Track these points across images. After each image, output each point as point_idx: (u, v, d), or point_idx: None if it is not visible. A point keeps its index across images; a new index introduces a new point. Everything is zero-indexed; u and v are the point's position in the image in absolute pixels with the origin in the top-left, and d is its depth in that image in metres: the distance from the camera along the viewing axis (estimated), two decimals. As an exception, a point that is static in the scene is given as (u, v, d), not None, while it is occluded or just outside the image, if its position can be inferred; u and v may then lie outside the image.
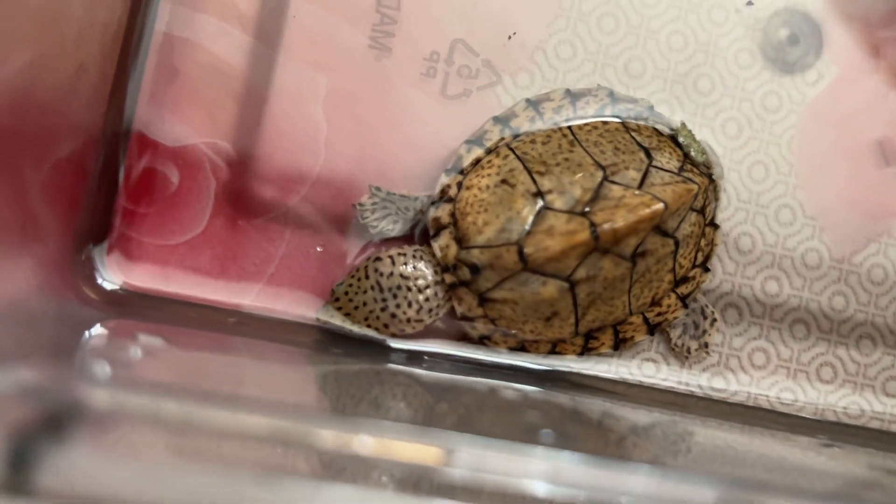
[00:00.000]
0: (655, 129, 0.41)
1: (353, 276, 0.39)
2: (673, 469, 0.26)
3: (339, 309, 0.39)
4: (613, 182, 0.38)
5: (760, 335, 0.43)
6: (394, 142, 0.42)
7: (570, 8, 0.43)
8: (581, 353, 0.41)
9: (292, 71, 0.42)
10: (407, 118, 0.42)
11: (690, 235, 0.40)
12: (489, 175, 0.39)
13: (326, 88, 0.42)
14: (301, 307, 0.41)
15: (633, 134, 0.40)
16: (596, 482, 0.23)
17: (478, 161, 0.40)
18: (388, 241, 0.41)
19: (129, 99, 0.41)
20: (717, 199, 0.42)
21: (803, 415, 0.43)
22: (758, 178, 0.43)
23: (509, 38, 0.42)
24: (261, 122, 0.42)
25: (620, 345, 0.41)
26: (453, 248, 0.38)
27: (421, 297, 0.38)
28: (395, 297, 0.38)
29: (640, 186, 0.38)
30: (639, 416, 0.41)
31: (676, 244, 0.39)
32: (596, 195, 0.37)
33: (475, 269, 0.37)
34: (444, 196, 0.39)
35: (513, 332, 0.39)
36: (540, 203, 0.37)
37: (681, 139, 0.41)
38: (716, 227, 0.42)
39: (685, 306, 0.41)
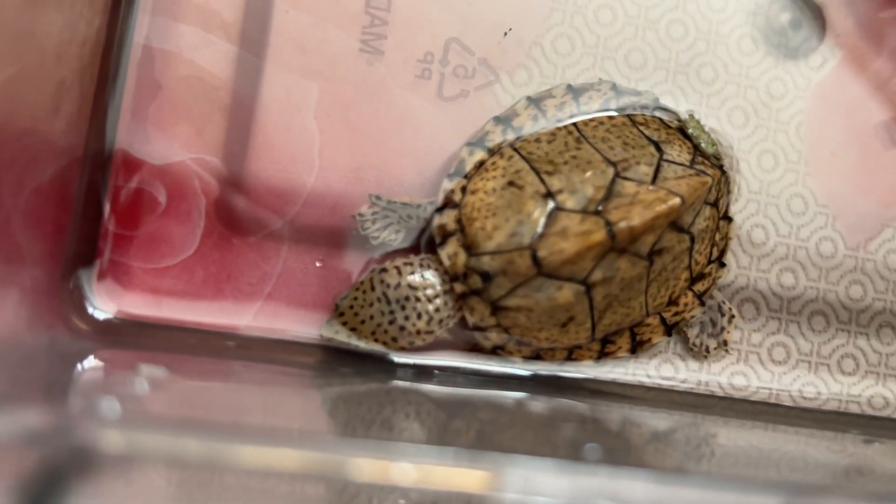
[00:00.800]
0: (663, 122, 0.39)
1: (357, 290, 0.37)
2: (732, 479, 0.24)
3: (344, 324, 0.37)
4: (626, 178, 0.36)
5: (779, 329, 0.42)
6: (391, 148, 0.40)
7: (566, 1, 0.41)
8: (598, 359, 0.39)
9: (281, 79, 0.40)
10: (403, 123, 0.40)
11: (705, 230, 0.38)
12: (494, 178, 0.37)
13: (318, 96, 0.40)
14: (302, 326, 0.39)
15: (641, 128, 0.39)
16: (657, 499, 0.21)
17: (481, 164, 0.38)
18: (392, 252, 0.39)
19: (110, 117, 0.39)
20: (729, 191, 0.40)
21: (827, 409, 0.41)
22: (767, 167, 0.42)
23: (505, 34, 0.41)
24: (250, 134, 0.40)
25: (638, 347, 0.39)
26: (462, 256, 0.36)
27: (430, 308, 0.36)
28: (403, 308, 0.36)
29: (653, 181, 0.37)
30: (659, 420, 0.39)
31: (692, 240, 0.38)
32: (609, 193, 0.36)
33: (486, 277, 0.36)
34: (448, 202, 0.38)
35: (527, 340, 0.37)
36: (551, 204, 0.36)
37: (690, 131, 0.39)
38: (729, 220, 0.40)
39: (702, 304, 0.39)
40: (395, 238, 0.38)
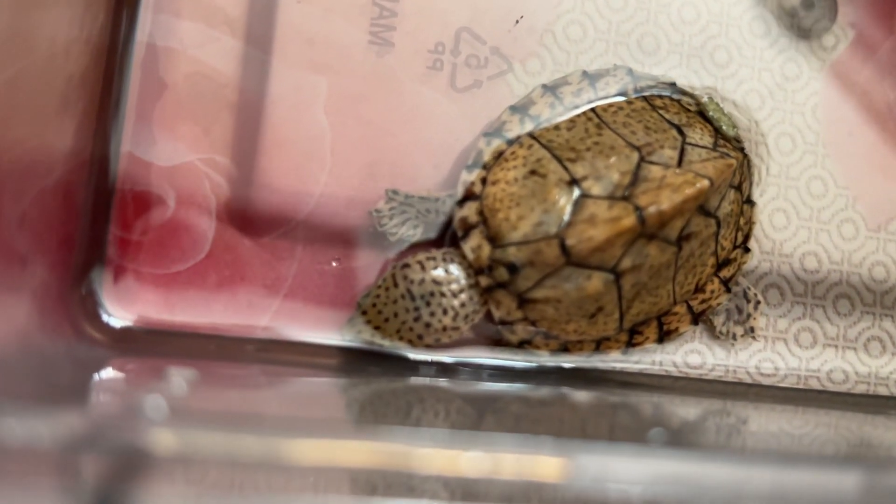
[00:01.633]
0: (682, 106, 0.39)
1: (380, 287, 0.36)
2: (807, 458, 0.23)
3: (367, 323, 0.36)
4: (651, 162, 0.35)
5: (805, 314, 0.41)
6: (405, 142, 0.39)
7: (578, -14, 0.40)
8: (625, 350, 0.38)
9: (289, 75, 0.39)
10: (416, 115, 0.39)
11: (731, 214, 0.37)
12: (515, 167, 0.36)
13: (327, 91, 0.39)
14: (322, 327, 0.38)
15: (661, 112, 0.38)
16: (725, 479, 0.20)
17: (500, 154, 0.37)
18: (412, 248, 0.38)
19: (115, 118, 0.37)
20: (751, 174, 0.39)
21: (856, 392, 0.41)
22: (785, 150, 0.41)
23: (516, 22, 0.40)
24: (260, 132, 0.38)
25: (665, 337, 0.38)
26: (486, 248, 0.35)
27: (456, 303, 0.35)
28: (428, 304, 0.35)
29: (679, 165, 0.36)
30: (688, 409, 0.38)
31: (718, 224, 0.37)
32: (635, 178, 0.35)
33: (513, 269, 0.35)
34: (468, 194, 0.37)
35: (555, 333, 0.36)
36: (577, 191, 0.35)
37: (710, 113, 0.39)
38: (752, 204, 0.39)
39: (728, 290, 0.39)
40: (414, 233, 0.37)
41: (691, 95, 0.40)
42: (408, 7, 0.39)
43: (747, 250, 0.39)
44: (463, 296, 0.36)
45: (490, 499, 0.18)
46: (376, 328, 0.36)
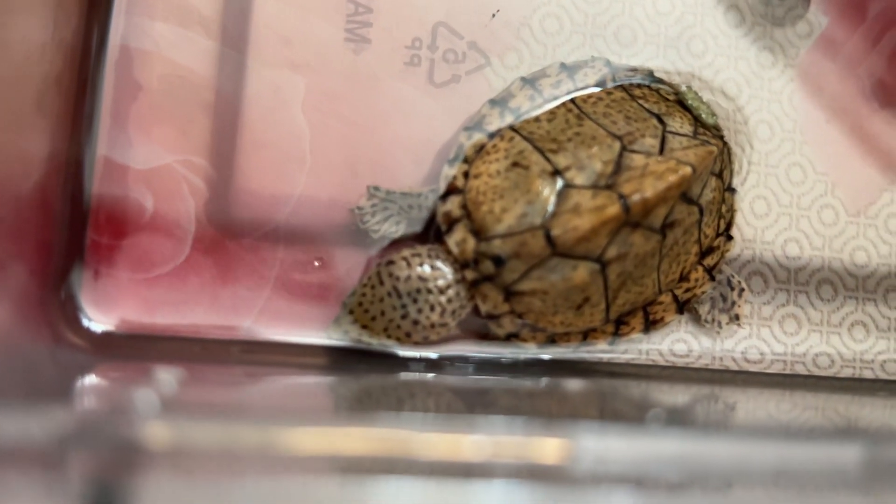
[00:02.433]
0: (661, 95, 0.39)
1: (365, 285, 0.35)
2: (807, 432, 0.23)
3: (354, 322, 0.35)
4: (633, 151, 0.35)
5: (789, 300, 0.41)
6: (385, 138, 0.39)
7: (553, -21, 0.40)
8: (612, 341, 0.38)
9: (266, 74, 0.38)
10: (396, 112, 0.39)
11: (713, 202, 0.37)
12: (497, 160, 0.36)
13: (305, 89, 0.38)
14: (306, 327, 0.38)
15: (641, 101, 0.38)
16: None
17: (481, 147, 0.37)
18: (395, 245, 0.38)
19: (91, 122, 0.37)
20: (731, 162, 0.40)
21: (843, 376, 0.41)
22: (763, 137, 0.41)
23: (493, 16, 0.40)
24: (237, 132, 0.38)
25: (651, 327, 0.38)
26: (471, 242, 0.35)
27: (443, 299, 0.35)
28: (415, 301, 0.35)
29: (660, 153, 0.36)
30: (676, 396, 0.38)
31: (701, 212, 0.37)
32: (618, 167, 0.35)
33: (499, 261, 0.34)
34: (451, 188, 0.36)
35: (542, 325, 0.36)
36: (560, 181, 0.35)
37: (689, 102, 0.39)
38: (733, 191, 0.39)
39: (712, 278, 0.39)
40: (397, 230, 0.37)
41: (669, 85, 0.40)
42: (383, 3, 0.39)
43: (730, 238, 0.39)
44: (450, 291, 0.35)
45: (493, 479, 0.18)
46: (363, 327, 0.35)
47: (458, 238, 0.35)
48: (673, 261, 0.37)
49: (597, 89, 0.38)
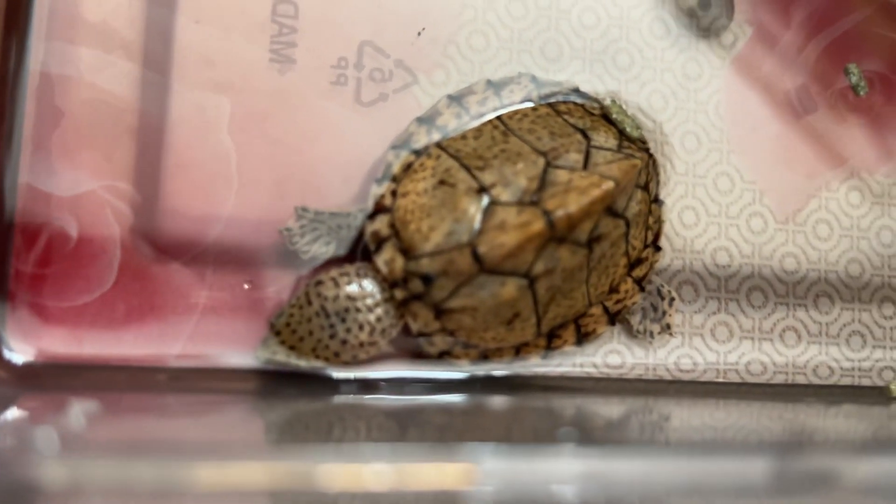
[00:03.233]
0: (585, 110, 0.39)
1: (293, 306, 0.35)
2: (720, 446, 0.23)
3: (282, 343, 0.35)
4: (558, 167, 0.36)
5: (720, 309, 0.41)
6: (313, 158, 0.39)
7: (478, -5, 0.40)
8: (545, 355, 0.38)
9: (190, 96, 0.38)
10: (323, 132, 0.39)
11: (639, 214, 0.38)
12: (424, 178, 0.36)
13: (230, 110, 0.38)
14: (236, 351, 0.37)
15: (566, 116, 0.38)
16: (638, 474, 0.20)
17: (409, 166, 0.37)
18: (325, 265, 0.38)
19: (11, 150, 0.36)
20: (657, 174, 0.40)
21: (776, 382, 0.41)
22: (691, 148, 0.42)
23: (419, 34, 0.40)
24: (162, 156, 0.38)
25: (583, 339, 0.38)
26: (399, 261, 0.35)
27: (372, 317, 0.35)
28: (343, 321, 0.35)
29: (584, 168, 0.36)
30: (611, 408, 0.38)
31: (627, 224, 0.37)
32: (543, 182, 0.35)
33: (427, 279, 0.34)
34: (379, 208, 0.36)
35: (474, 342, 0.36)
36: (486, 198, 0.35)
37: (613, 116, 0.39)
38: (660, 203, 0.40)
39: (642, 289, 0.39)
40: (326, 250, 0.37)
41: (594, 99, 0.40)
42: (308, 23, 0.39)
43: (658, 249, 0.40)
44: (379, 310, 0.35)
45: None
46: (291, 348, 0.35)
47: (387, 257, 0.35)
48: (602, 273, 0.37)
49: (523, 105, 0.38)
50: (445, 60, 0.40)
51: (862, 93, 0.42)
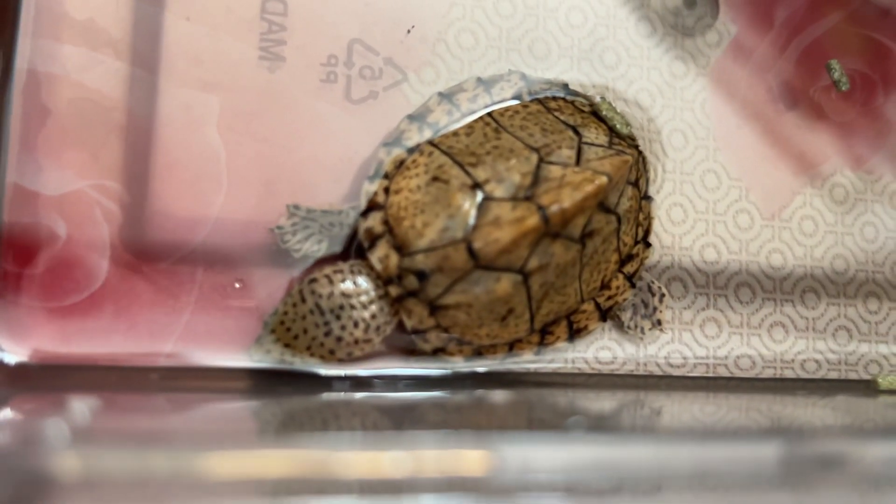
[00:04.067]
0: (575, 107, 0.39)
1: (287, 304, 0.35)
2: (728, 434, 0.24)
3: (276, 341, 0.35)
4: (550, 163, 0.36)
5: (708, 304, 0.42)
6: (303, 157, 0.38)
7: (466, -6, 0.40)
8: (538, 351, 0.38)
9: (178, 95, 0.38)
10: (313, 130, 0.39)
11: (630, 210, 0.38)
12: (417, 175, 0.36)
13: (219, 109, 0.38)
14: (228, 350, 0.37)
15: (556, 113, 0.38)
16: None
17: (401, 163, 0.37)
18: (318, 263, 0.37)
19: (-3, 147, 0.36)
20: (647, 170, 0.40)
21: (764, 377, 0.42)
22: (678, 146, 0.42)
23: (408, 32, 0.40)
24: (151, 155, 0.37)
25: (575, 335, 0.39)
26: (394, 258, 0.35)
27: (366, 314, 0.35)
28: (338, 318, 0.35)
29: (577, 164, 0.36)
30: (603, 403, 0.38)
31: (619, 220, 0.37)
32: (536, 178, 0.35)
33: (422, 276, 0.34)
34: (372, 205, 0.36)
35: (468, 339, 0.36)
36: (480, 194, 0.35)
37: (603, 113, 0.39)
38: (650, 199, 0.40)
39: (633, 286, 0.39)
40: (318, 248, 0.37)
41: (584, 96, 0.40)
42: (297, 21, 0.39)
43: (648, 245, 0.40)
44: (373, 307, 0.35)
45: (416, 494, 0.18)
46: (286, 346, 0.35)
47: (381, 254, 0.35)
48: (593, 269, 0.37)
49: (513, 102, 0.39)
50: (434, 58, 0.40)
51: (844, 88, 0.42)
